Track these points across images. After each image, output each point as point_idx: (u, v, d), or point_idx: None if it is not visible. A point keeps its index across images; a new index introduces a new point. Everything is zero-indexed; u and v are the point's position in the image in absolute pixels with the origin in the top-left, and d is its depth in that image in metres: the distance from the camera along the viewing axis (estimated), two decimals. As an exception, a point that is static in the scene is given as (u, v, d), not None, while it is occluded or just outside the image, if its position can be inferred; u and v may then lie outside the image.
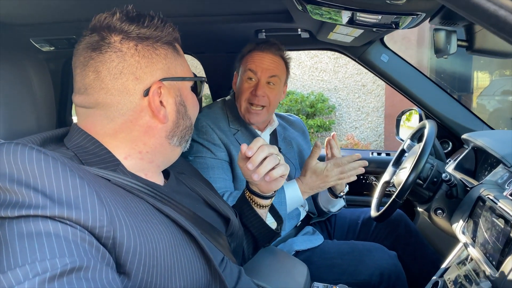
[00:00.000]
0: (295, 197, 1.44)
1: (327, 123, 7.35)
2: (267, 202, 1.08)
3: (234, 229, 0.97)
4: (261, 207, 1.07)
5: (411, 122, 2.18)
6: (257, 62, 1.53)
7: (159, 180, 0.88)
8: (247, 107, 1.54)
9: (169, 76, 0.82)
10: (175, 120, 0.84)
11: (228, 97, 1.71)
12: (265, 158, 0.94)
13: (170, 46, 0.84)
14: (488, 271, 1.01)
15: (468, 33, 1.06)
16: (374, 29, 1.34)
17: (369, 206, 2.11)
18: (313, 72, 7.71)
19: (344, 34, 1.49)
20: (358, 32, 1.43)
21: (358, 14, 1.10)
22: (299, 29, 1.69)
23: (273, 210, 1.13)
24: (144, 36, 0.79)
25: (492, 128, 1.86)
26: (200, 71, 1.88)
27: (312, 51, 7.49)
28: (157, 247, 0.69)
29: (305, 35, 1.73)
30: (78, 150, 0.77)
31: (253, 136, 1.57)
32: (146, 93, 0.79)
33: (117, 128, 0.79)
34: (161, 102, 0.80)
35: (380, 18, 1.10)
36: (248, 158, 0.94)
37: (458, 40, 1.07)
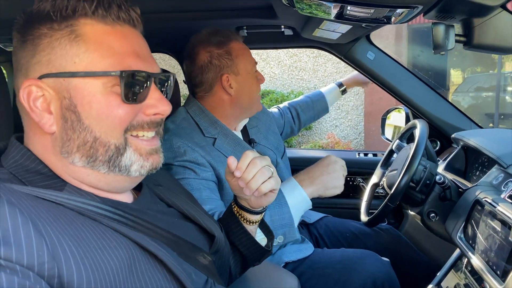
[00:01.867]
0: (298, 195, 1.28)
1: (308, 122, 7.32)
2: (258, 217, 0.98)
3: (219, 246, 0.87)
4: (251, 223, 0.97)
5: (397, 121, 2.13)
6: (248, 52, 1.44)
7: (125, 197, 0.75)
8: (258, 98, 1.50)
9: (51, 71, 0.63)
10: (61, 131, 0.65)
11: (187, 106, 1.47)
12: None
13: (59, 30, 0.63)
14: (493, 281, 0.94)
15: (466, 27, 1.00)
16: (364, 25, 1.27)
17: (356, 208, 2.05)
18: (293, 71, 7.66)
19: (331, 30, 1.41)
20: (345, 28, 1.35)
21: (349, 7, 1.02)
22: (282, 26, 1.61)
23: (263, 225, 1.03)
24: (26, 19, 0.64)
25: (480, 127, 1.82)
26: (179, 71, 1.76)
27: (291, 50, 7.44)
28: (115, 278, 0.58)
29: (288, 32, 1.65)
30: (17, 169, 0.65)
31: (233, 140, 1.42)
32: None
33: (34, 138, 0.68)
34: (48, 105, 0.65)
35: (372, 12, 1.02)
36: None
37: (455, 35, 1.00)
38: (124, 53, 0.66)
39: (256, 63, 1.46)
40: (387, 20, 1.14)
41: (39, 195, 0.60)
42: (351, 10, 1.05)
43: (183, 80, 2.14)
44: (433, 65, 8.79)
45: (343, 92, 2.09)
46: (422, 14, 1.07)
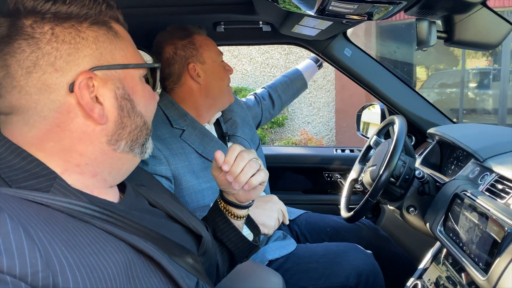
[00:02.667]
0: None
1: (281, 119, 7.35)
2: (245, 212, 0.96)
3: (207, 247, 0.84)
4: (238, 218, 0.95)
5: (372, 117, 2.16)
6: (211, 42, 1.47)
7: (112, 196, 0.73)
8: (228, 89, 1.50)
9: (102, 64, 0.66)
10: (117, 120, 0.68)
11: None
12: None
13: (104, 26, 0.68)
14: (475, 273, 0.96)
15: (447, 24, 1.01)
16: (344, 21, 1.26)
17: (335, 204, 2.06)
18: (265, 68, 7.67)
19: (311, 26, 1.40)
20: (326, 24, 1.35)
21: (332, 2, 1.01)
22: (260, 22, 1.59)
23: (248, 220, 1.01)
24: (64, 16, 0.63)
25: (453, 122, 1.87)
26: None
27: (263, 47, 7.45)
28: (113, 284, 0.55)
29: (266, 28, 1.63)
30: (0, 166, 0.61)
31: (201, 132, 1.42)
32: (72, 87, 0.63)
33: (42, 136, 0.63)
34: (96, 98, 0.66)
35: (356, 7, 1.02)
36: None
37: (437, 31, 1.01)
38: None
39: (221, 53, 1.48)
40: (369, 16, 1.14)
41: (26, 197, 0.56)
42: (334, 5, 1.04)
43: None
44: (401, 62, 9.04)
45: (319, 66, 2.05)
46: (403, 11, 1.08)
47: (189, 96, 1.44)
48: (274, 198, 1.36)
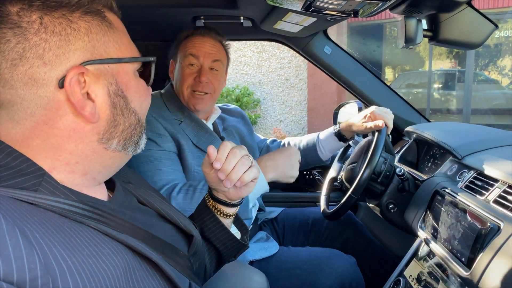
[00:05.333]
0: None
1: (253, 116, 7.35)
2: (234, 210, 0.93)
3: (197, 247, 0.81)
4: (227, 217, 0.92)
5: (349, 115, 2.18)
6: (198, 46, 1.41)
7: (101, 194, 0.69)
8: (190, 93, 1.43)
9: (95, 58, 0.61)
10: (109, 118, 0.64)
11: (163, 90, 1.55)
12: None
13: (97, 16, 0.63)
14: (458, 269, 0.98)
15: (432, 23, 1.02)
16: (329, 18, 1.26)
17: (314, 202, 2.07)
18: (237, 65, 7.64)
19: (294, 23, 1.39)
20: (309, 21, 1.34)
21: (320, -2, 1.00)
22: (241, 17, 1.56)
23: (236, 219, 0.99)
24: (54, 4, 0.58)
25: (428, 121, 1.91)
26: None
27: (235, 44, 7.41)
28: (113, 287, 0.52)
29: (247, 23, 1.60)
30: None
31: (198, 125, 1.45)
32: (62, 83, 0.58)
33: (27, 133, 0.58)
34: (88, 94, 0.61)
35: (343, 4, 1.01)
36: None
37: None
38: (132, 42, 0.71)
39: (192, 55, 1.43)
40: (354, 14, 1.14)
41: (16, 196, 0.51)
42: (321, 1, 1.03)
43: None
44: (370, 62, 9.24)
45: (342, 139, 1.68)
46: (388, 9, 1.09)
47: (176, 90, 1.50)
48: (293, 149, 1.38)
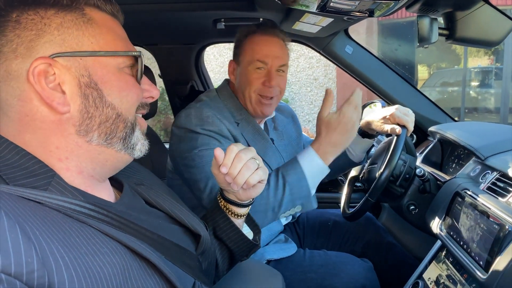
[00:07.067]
0: (315, 166, 1.24)
1: (281, 117, 7.34)
2: (245, 210, 0.95)
3: (205, 246, 0.84)
4: (238, 217, 0.94)
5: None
6: (266, 49, 1.33)
7: (107, 194, 0.72)
8: (258, 98, 1.36)
9: (65, 50, 0.63)
10: (81, 109, 0.65)
11: (218, 88, 1.48)
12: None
13: (73, 13, 0.65)
14: (476, 272, 0.95)
15: (449, 21, 1.00)
16: (345, 18, 1.25)
17: (336, 202, 2.06)
18: (266, 66, 7.64)
19: (312, 23, 1.39)
20: (326, 21, 1.34)
21: (333, -1, 1.00)
22: (261, 19, 1.58)
23: (248, 219, 1.00)
24: (30, 2, 0.63)
25: (454, 120, 1.86)
26: (152, 64, 1.71)
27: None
28: (109, 286, 0.54)
29: (267, 25, 1.62)
30: None
31: (254, 128, 1.41)
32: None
33: (17, 127, 0.63)
34: (60, 85, 0.64)
35: (357, 4, 1.01)
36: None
37: (438, 28, 1.00)
38: (126, 39, 0.72)
39: (261, 61, 1.35)
40: (370, 13, 1.13)
41: (23, 195, 0.55)
42: (335, 2, 1.03)
43: (158, 74, 2.08)
44: (403, 60, 9.02)
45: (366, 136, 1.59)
46: (404, 8, 1.07)
47: (235, 90, 1.43)
48: (348, 112, 1.23)
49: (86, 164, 0.67)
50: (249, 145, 1.35)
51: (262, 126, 1.49)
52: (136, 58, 0.71)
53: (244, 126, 1.39)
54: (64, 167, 0.65)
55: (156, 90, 0.76)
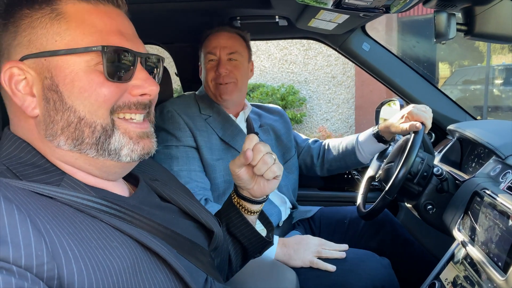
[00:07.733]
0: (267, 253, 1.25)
1: (299, 115, 7.31)
2: (259, 207, 0.95)
3: (218, 242, 0.84)
4: (252, 213, 0.95)
5: (391, 113, 2.12)
6: (214, 42, 1.51)
7: (121, 190, 0.73)
8: (215, 85, 1.52)
9: (31, 52, 0.61)
10: (44, 113, 0.62)
11: (197, 92, 1.64)
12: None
13: (41, 10, 0.62)
14: (494, 273, 0.93)
15: (467, 16, 0.98)
16: (361, 14, 1.24)
17: (352, 201, 2.03)
18: (283, 64, 7.63)
19: (327, 20, 1.38)
20: (342, 18, 1.33)
21: (348, -5, 0.99)
22: (276, 16, 1.57)
23: (261, 216, 1.01)
24: (8, 1, 0.63)
25: (474, 118, 1.81)
26: (169, 62, 1.72)
27: (281, 43, 7.41)
28: (118, 279, 0.55)
29: (283, 22, 1.62)
30: (11, 162, 0.62)
31: (225, 119, 1.52)
32: None
33: (19, 124, 0.66)
34: (31, 87, 0.63)
35: (372, 0, 1.00)
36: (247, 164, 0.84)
37: (456, 24, 0.98)
38: (107, 31, 0.64)
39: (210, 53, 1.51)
40: (386, 9, 1.11)
41: (35, 189, 0.57)
42: (350, -2, 1.02)
43: (175, 73, 2.10)
44: (423, 58, 8.85)
45: (382, 141, 1.66)
46: (421, 3, 1.05)
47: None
48: (321, 241, 1.38)
49: (80, 165, 0.66)
50: (218, 135, 1.48)
51: (243, 121, 1.59)
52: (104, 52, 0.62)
53: (214, 118, 1.51)
54: (71, 169, 0.66)
55: (151, 86, 0.68)
